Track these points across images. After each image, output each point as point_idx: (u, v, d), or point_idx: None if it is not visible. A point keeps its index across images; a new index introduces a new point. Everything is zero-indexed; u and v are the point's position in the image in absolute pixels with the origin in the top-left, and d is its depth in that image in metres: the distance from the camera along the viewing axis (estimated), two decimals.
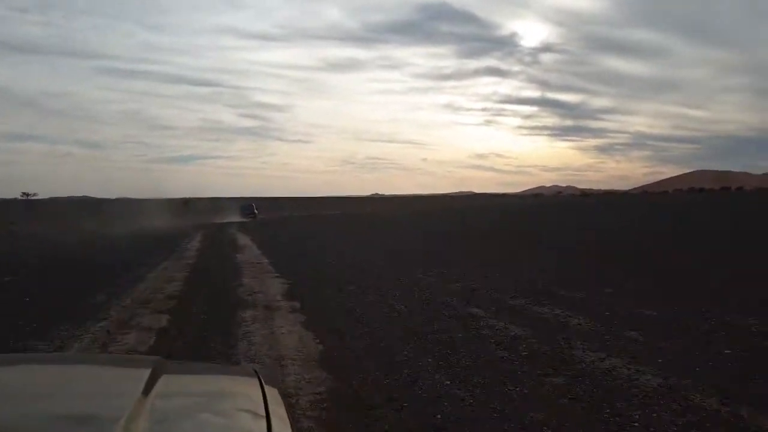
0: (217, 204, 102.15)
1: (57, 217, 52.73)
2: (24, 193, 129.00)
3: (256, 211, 61.34)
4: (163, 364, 1.55)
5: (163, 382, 1.34)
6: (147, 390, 1.25)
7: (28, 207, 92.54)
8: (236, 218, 55.39)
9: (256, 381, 1.48)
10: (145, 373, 1.37)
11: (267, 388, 1.42)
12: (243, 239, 25.45)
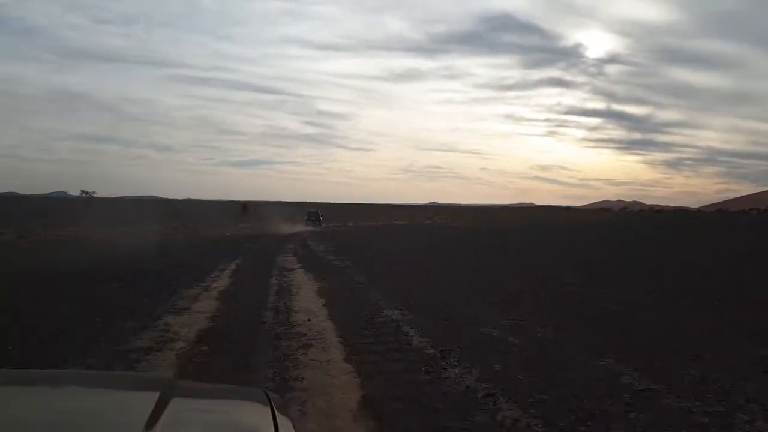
0: (278, 209, 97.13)
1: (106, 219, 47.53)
2: (83, 191, 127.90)
3: (321, 218, 57.16)
4: (171, 386, 1.49)
5: (172, 409, 1.27)
6: (153, 421, 1.17)
7: (87, 205, 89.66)
8: (300, 227, 49.09)
9: (267, 408, 1.43)
10: (153, 398, 1.31)
11: (278, 416, 1.37)
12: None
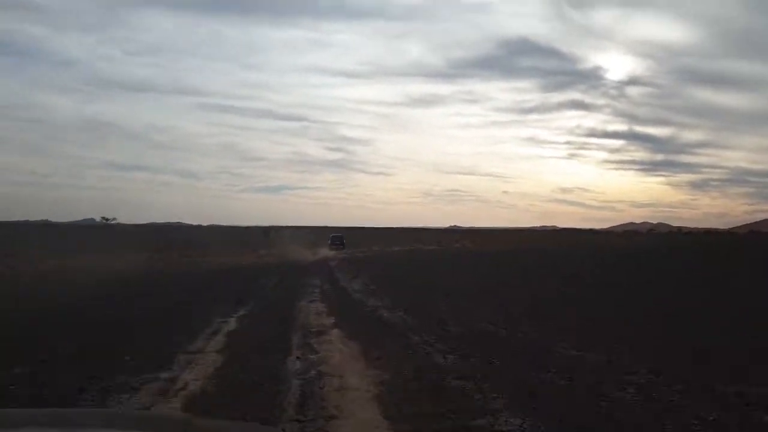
0: (301, 234, 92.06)
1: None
2: (103, 218, 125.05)
3: (344, 242, 56.20)
4: (190, 425, 1.47)
5: None
6: None
7: (104, 232, 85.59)
8: (323, 251, 45.32)
9: None
10: None
11: None
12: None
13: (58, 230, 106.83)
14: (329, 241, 57.62)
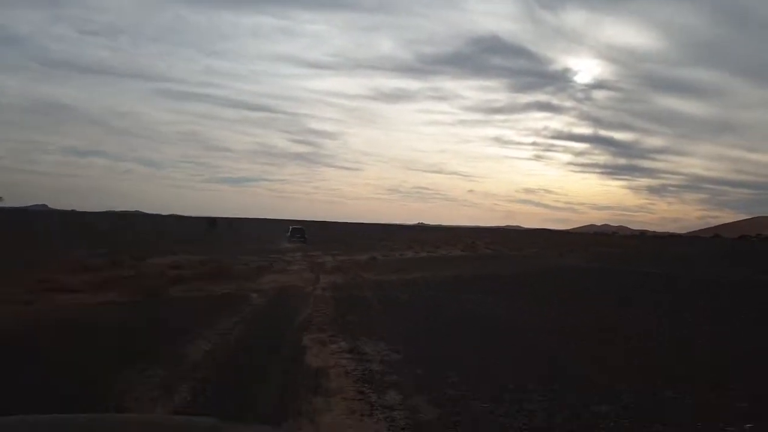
0: (264, 227, 74.51)
1: None
2: None
3: (306, 236, 48.61)
4: (218, 431, 1.37)
5: None
6: None
7: None
8: (289, 258, 28.86)
9: None
10: None
11: None
12: None
13: None
14: (288, 234, 48.44)
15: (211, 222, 60.28)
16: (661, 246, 74.89)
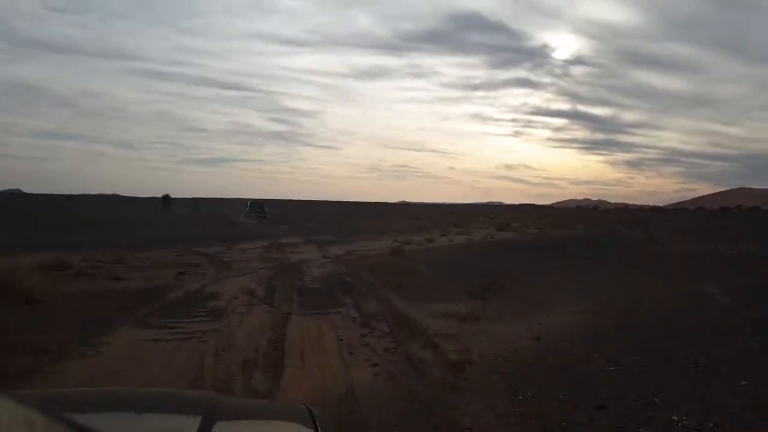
0: (236, 207, 63.89)
1: None
2: None
3: (266, 211, 43.62)
4: (216, 404, 1.40)
5: (218, 429, 1.21)
6: None
7: None
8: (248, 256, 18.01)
9: (311, 425, 1.36)
10: (197, 418, 1.24)
11: None
12: None
13: None
14: (247, 209, 43.88)
15: (166, 200, 49.42)
16: (669, 219, 65.77)
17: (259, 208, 43.74)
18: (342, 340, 7.15)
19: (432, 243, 24.54)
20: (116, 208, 64.24)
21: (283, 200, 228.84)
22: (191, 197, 72.29)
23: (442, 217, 63.11)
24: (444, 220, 51.14)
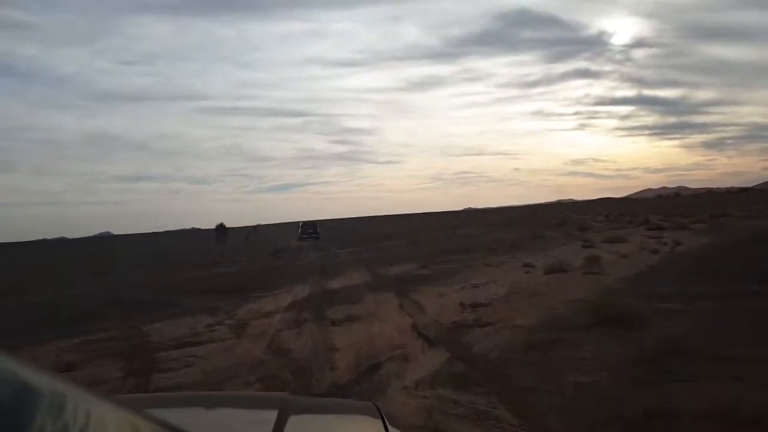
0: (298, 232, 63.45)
1: None
2: None
3: (318, 231, 42.34)
4: (289, 403, 1.49)
5: (291, 426, 1.27)
6: None
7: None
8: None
9: (379, 422, 1.39)
10: (272, 415, 1.31)
11: (390, 429, 1.35)
12: None
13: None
14: (299, 231, 42.57)
15: (220, 230, 49.10)
16: None
17: (311, 228, 41.85)
18: None
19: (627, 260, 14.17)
20: (185, 242, 65.48)
21: (349, 218, 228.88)
22: (254, 225, 73.03)
23: (542, 221, 46.94)
24: (546, 224, 38.53)
